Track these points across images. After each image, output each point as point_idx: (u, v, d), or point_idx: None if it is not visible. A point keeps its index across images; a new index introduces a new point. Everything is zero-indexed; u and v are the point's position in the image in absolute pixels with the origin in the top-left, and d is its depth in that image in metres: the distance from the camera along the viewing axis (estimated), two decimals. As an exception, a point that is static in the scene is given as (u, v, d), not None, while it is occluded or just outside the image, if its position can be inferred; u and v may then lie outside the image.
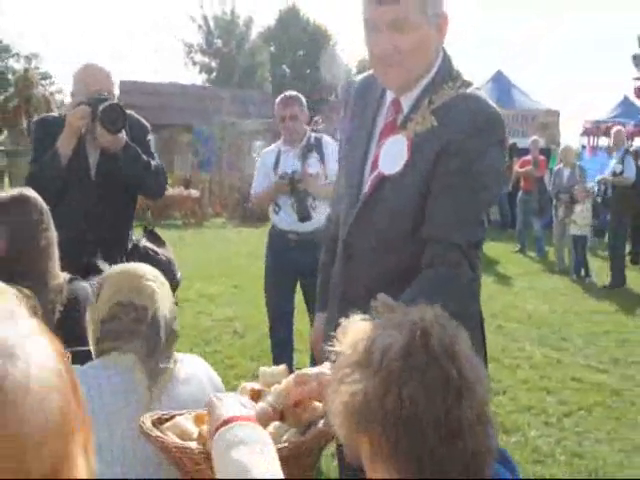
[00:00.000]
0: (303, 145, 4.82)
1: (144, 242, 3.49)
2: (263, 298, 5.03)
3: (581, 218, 10.34)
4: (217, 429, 1.36)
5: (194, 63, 42.48)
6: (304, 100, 4.88)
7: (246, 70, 40.04)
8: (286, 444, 1.48)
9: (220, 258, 11.58)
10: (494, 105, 2.13)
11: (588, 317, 8.07)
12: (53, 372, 0.58)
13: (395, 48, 2.05)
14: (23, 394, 0.54)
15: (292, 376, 1.65)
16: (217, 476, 1.32)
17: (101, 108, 3.27)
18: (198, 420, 1.62)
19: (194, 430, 1.59)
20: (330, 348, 1.30)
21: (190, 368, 2.06)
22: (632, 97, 18.96)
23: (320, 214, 4.67)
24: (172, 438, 1.55)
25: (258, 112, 20.46)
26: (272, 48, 45.79)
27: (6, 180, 20.42)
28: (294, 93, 4.93)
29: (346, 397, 1.17)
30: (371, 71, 2.31)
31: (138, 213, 3.88)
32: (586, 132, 19.47)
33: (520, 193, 12.98)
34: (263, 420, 1.51)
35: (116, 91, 3.59)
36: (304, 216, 4.66)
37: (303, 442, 1.52)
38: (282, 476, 1.28)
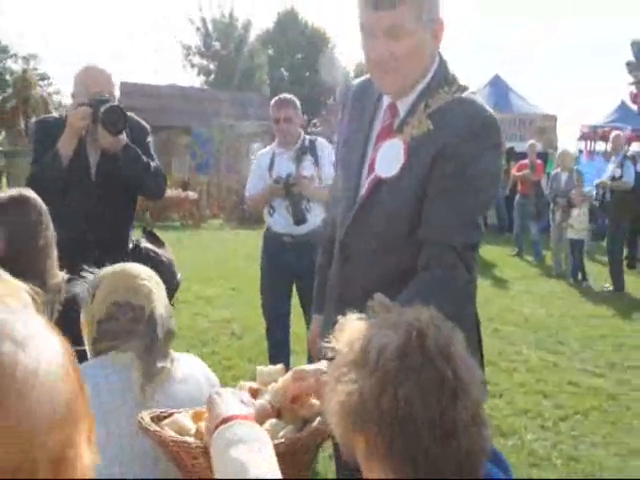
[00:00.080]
0: (297, 148, 4.83)
1: (144, 243, 3.50)
2: (260, 300, 5.05)
3: (578, 222, 10.37)
4: (216, 427, 1.38)
5: (192, 65, 42.51)
6: (298, 103, 4.89)
7: (244, 73, 40.05)
8: (282, 440, 1.49)
9: (218, 260, 11.59)
10: (490, 109, 2.14)
11: (585, 321, 8.09)
12: (61, 364, 0.61)
13: (391, 54, 2.06)
14: (33, 383, 0.56)
15: (289, 373, 1.66)
16: (216, 474, 1.33)
17: (102, 109, 3.28)
18: (196, 417, 1.63)
19: (192, 426, 1.60)
20: (327, 346, 1.31)
21: (187, 367, 2.06)
22: (629, 102, 19.00)
23: (315, 216, 4.69)
24: (170, 433, 1.56)
25: (256, 115, 20.46)
26: (270, 51, 45.83)
27: (4, 180, 20.42)
28: (289, 96, 4.95)
29: (342, 396, 1.18)
30: (368, 75, 2.32)
31: (137, 214, 3.89)
32: (583, 137, 19.51)
33: (517, 197, 13.02)
34: (261, 417, 1.52)
35: (117, 93, 3.60)
36: (299, 219, 4.68)
37: (299, 438, 1.53)
38: (280, 475, 1.29)
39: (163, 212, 16.77)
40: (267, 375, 1.74)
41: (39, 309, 0.67)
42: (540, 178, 12.97)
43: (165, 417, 1.67)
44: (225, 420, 1.38)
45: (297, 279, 4.82)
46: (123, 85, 20.60)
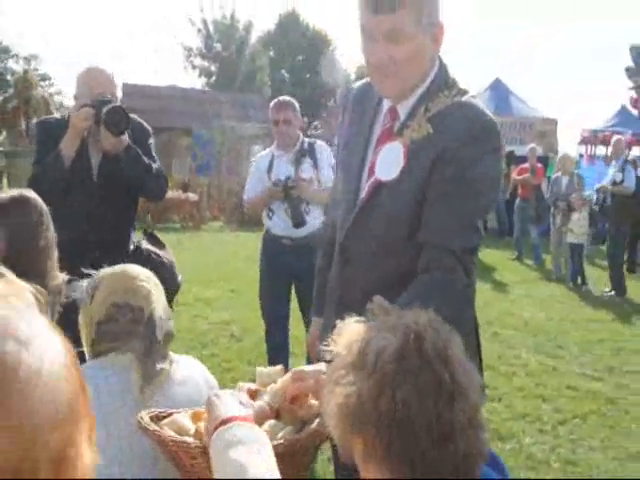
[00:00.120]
0: (296, 150, 4.84)
1: (145, 245, 3.50)
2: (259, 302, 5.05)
3: (578, 226, 10.38)
4: (215, 428, 1.38)
5: (193, 67, 42.51)
6: (298, 106, 4.90)
7: (245, 74, 40.06)
8: (281, 441, 1.49)
9: (217, 262, 11.59)
10: (489, 113, 2.15)
11: (584, 325, 8.10)
12: (63, 364, 0.62)
13: (391, 58, 2.06)
14: (36, 382, 0.57)
15: (289, 374, 1.67)
16: (215, 475, 1.34)
17: (105, 110, 3.29)
18: (195, 417, 1.64)
19: (191, 427, 1.60)
20: (326, 349, 1.32)
21: (186, 369, 2.06)
22: (629, 107, 19.01)
23: (314, 219, 4.70)
24: (169, 432, 1.56)
25: (257, 116, 20.48)
26: (271, 53, 45.84)
27: (5, 181, 20.43)
28: (288, 98, 4.96)
29: (340, 399, 1.19)
30: (369, 78, 2.33)
31: (138, 216, 3.90)
32: (583, 141, 19.52)
33: (517, 201, 13.02)
34: (260, 418, 1.53)
35: (119, 94, 3.61)
36: (298, 222, 4.68)
37: (298, 440, 1.53)
38: (279, 476, 1.29)
39: (163, 214, 16.76)
40: (266, 376, 1.75)
41: (42, 309, 0.67)
42: (540, 182, 12.98)
43: (164, 417, 1.67)
44: (224, 421, 1.38)
45: (296, 281, 4.83)
46: (124, 86, 20.60)
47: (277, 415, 1.64)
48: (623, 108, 19.35)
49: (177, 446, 1.51)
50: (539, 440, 4.70)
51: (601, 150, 19.34)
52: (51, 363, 0.60)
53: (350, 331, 1.29)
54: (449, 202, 2.03)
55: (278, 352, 4.83)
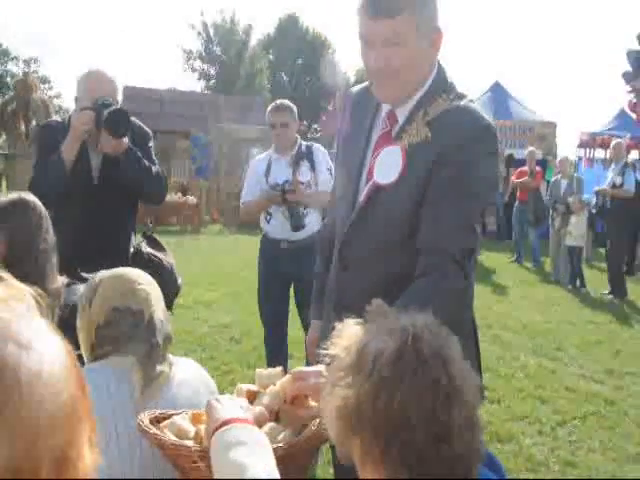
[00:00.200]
0: (294, 153, 4.84)
1: (146, 248, 3.51)
2: (258, 305, 5.06)
3: (576, 229, 10.39)
4: (215, 430, 1.39)
5: (193, 70, 42.55)
6: (295, 109, 4.90)
7: (245, 78, 40.10)
8: (281, 444, 1.50)
9: (217, 265, 11.59)
10: (487, 117, 2.16)
11: (583, 327, 8.11)
12: (64, 366, 0.62)
13: (389, 64, 2.07)
14: (37, 385, 0.58)
15: (288, 376, 1.68)
16: (215, 476, 1.34)
17: (106, 112, 3.30)
18: (195, 419, 1.64)
19: (191, 429, 1.61)
20: (324, 351, 1.32)
21: (185, 371, 2.06)
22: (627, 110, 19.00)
23: (312, 221, 4.71)
24: (169, 436, 1.57)
25: (257, 119, 20.48)
26: (271, 56, 45.88)
27: (4, 184, 20.44)
28: (285, 101, 4.96)
29: (339, 401, 1.20)
30: (368, 82, 2.34)
31: (138, 219, 3.90)
32: (582, 144, 19.50)
33: (516, 203, 13.04)
34: (259, 423, 1.54)
35: (119, 97, 3.61)
36: (297, 226, 4.69)
37: (297, 442, 1.54)
38: (279, 477, 1.30)
39: (162, 217, 16.76)
40: (266, 378, 1.75)
41: (43, 312, 0.68)
42: (539, 185, 12.99)
43: (164, 418, 1.68)
44: (224, 423, 1.39)
45: (295, 283, 4.84)
46: (123, 89, 20.62)
47: (276, 418, 1.65)
48: (622, 111, 19.32)
49: (177, 450, 1.51)
50: (538, 442, 4.71)
51: (600, 153, 19.31)
52: (51, 365, 0.60)
53: (348, 333, 1.29)
54: (447, 205, 2.04)
55: (277, 355, 4.83)
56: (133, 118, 3.52)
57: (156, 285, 2.10)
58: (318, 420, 1.53)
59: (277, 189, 4.73)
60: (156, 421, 1.65)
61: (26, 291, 0.68)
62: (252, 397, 1.69)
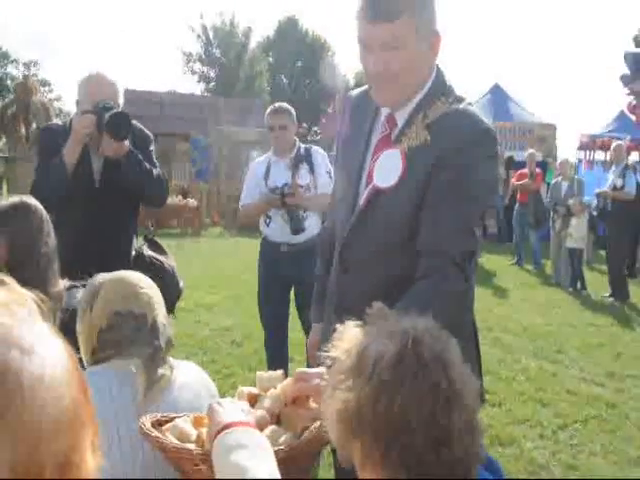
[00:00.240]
0: (293, 156, 4.85)
1: (147, 251, 3.51)
2: (259, 308, 5.06)
3: (577, 231, 10.39)
4: (217, 434, 1.39)
5: (193, 72, 42.61)
6: (294, 111, 4.91)
7: (245, 80, 40.15)
8: (282, 447, 1.50)
9: (218, 268, 11.60)
10: (486, 120, 2.16)
11: (584, 330, 8.10)
12: (65, 370, 0.62)
13: (388, 68, 2.08)
14: (39, 389, 0.58)
15: (289, 379, 1.68)
16: (217, 477, 1.34)
17: (107, 115, 3.30)
18: (197, 422, 1.64)
19: (193, 432, 1.61)
20: (325, 354, 1.33)
21: (186, 375, 2.06)
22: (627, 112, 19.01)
23: (312, 223, 4.71)
24: (171, 439, 1.56)
25: (256, 122, 20.51)
26: (270, 58, 45.95)
27: (4, 186, 20.46)
28: (284, 104, 4.97)
29: (339, 403, 1.20)
30: (367, 86, 2.34)
31: (139, 222, 3.91)
32: (582, 146, 19.51)
33: (516, 206, 13.03)
34: (261, 426, 1.54)
35: (120, 100, 3.62)
36: (297, 229, 4.69)
37: (298, 445, 1.54)
38: (280, 479, 1.30)
39: (163, 219, 16.78)
40: (267, 381, 1.75)
41: (44, 316, 0.68)
42: (539, 187, 12.99)
43: (166, 422, 1.68)
44: (226, 427, 1.39)
45: (295, 286, 4.84)
46: (124, 92, 20.64)
47: (278, 421, 1.65)
48: (621, 113, 19.33)
49: (179, 453, 1.51)
50: (540, 445, 4.70)
51: (600, 155, 19.33)
52: (53, 369, 0.60)
53: (349, 336, 1.30)
54: (446, 208, 2.04)
55: (278, 357, 4.83)
56: (134, 121, 3.52)
57: (157, 288, 2.10)
58: (319, 423, 1.53)
59: (276, 192, 4.73)
60: (158, 424, 1.65)
61: (27, 295, 0.68)
62: (253, 400, 1.69)
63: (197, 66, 42.53)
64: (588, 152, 19.45)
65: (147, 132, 3.75)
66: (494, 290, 10.35)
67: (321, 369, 1.59)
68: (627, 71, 14.48)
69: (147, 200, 3.76)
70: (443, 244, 2.03)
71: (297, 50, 46.16)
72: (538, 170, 13.14)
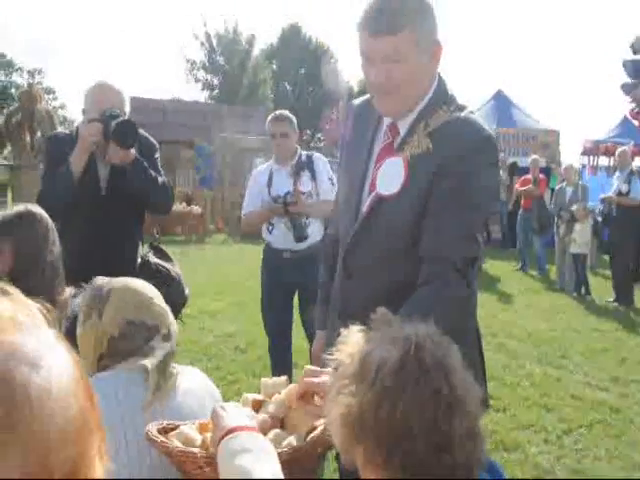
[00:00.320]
0: (294, 164, 4.86)
1: (153, 258, 3.52)
2: (263, 315, 5.06)
3: (580, 237, 10.37)
4: (222, 438, 1.40)
5: (196, 80, 42.64)
6: (295, 119, 4.93)
7: (248, 87, 40.17)
8: (285, 449, 1.51)
9: (222, 274, 11.61)
10: (487, 128, 2.18)
11: (588, 335, 8.08)
12: (72, 379, 0.63)
13: (389, 80, 2.10)
14: (46, 401, 0.58)
15: (293, 385, 1.70)
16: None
17: (114, 124, 3.33)
18: (202, 428, 1.65)
19: (197, 437, 1.62)
20: (330, 357, 1.34)
21: (190, 381, 2.07)
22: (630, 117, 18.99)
23: (314, 230, 4.72)
24: (176, 444, 1.58)
25: (260, 129, 20.52)
26: (274, 66, 45.99)
27: (9, 194, 20.48)
28: (285, 112, 5.00)
29: (343, 408, 1.22)
30: (369, 95, 2.35)
31: (144, 229, 3.92)
32: (586, 152, 19.49)
33: (520, 211, 13.01)
34: (263, 429, 1.55)
35: (127, 108, 3.64)
36: (300, 236, 4.70)
37: (302, 447, 1.55)
38: None
39: (167, 226, 16.79)
40: (271, 387, 1.77)
41: (50, 325, 0.68)
42: (543, 193, 12.97)
43: (172, 429, 1.69)
44: (230, 431, 1.40)
45: (299, 292, 4.85)
46: (131, 100, 20.65)
47: (282, 426, 1.66)
48: (625, 119, 19.32)
49: (184, 456, 1.52)
50: (544, 450, 4.70)
51: (603, 161, 19.33)
52: (60, 379, 0.61)
53: (353, 341, 1.31)
54: (448, 215, 2.06)
55: (281, 364, 4.84)
56: (140, 130, 3.54)
57: (161, 296, 2.10)
58: (323, 426, 1.54)
59: (279, 201, 4.75)
60: (164, 432, 1.66)
61: (33, 306, 0.69)
62: (258, 406, 1.71)
63: (201, 74, 42.56)
64: (592, 158, 19.44)
65: (152, 140, 3.77)
66: (498, 296, 10.34)
67: (329, 369, 1.61)
68: (627, 79, 14.45)
69: (152, 207, 3.78)
70: (444, 250, 2.05)
71: (300, 57, 46.20)
72: (542, 176, 13.11)
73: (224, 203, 19.93)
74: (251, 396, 1.74)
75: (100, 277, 2.12)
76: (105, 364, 1.97)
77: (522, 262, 13.01)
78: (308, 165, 4.86)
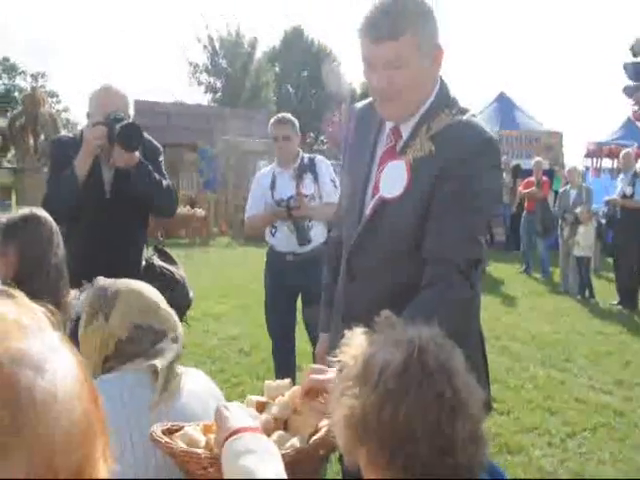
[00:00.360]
0: (296, 166, 4.87)
1: (158, 261, 3.53)
2: (267, 317, 5.07)
3: (584, 239, 10.36)
4: (226, 439, 1.40)
5: (199, 83, 42.69)
6: (297, 122, 4.93)
7: (251, 90, 40.21)
8: (288, 450, 1.52)
9: (226, 277, 11.61)
10: (489, 131, 2.19)
11: (592, 338, 8.07)
12: (76, 382, 0.63)
13: (391, 85, 2.11)
14: (51, 404, 0.59)
15: (295, 388, 1.70)
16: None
17: (118, 127, 3.34)
18: (206, 430, 1.66)
19: (201, 439, 1.63)
20: (334, 359, 1.34)
21: (194, 383, 2.08)
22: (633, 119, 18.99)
23: (317, 233, 4.72)
24: (180, 445, 1.58)
25: (263, 132, 20.52)
26: (277, 68, 46.03)
27: (13, 198, 20.53)
28: (287, 115, 5.00)
29: (346, 410, 1.22)
30: (372, 98, 2.36)
31: (148, 232, 3.93)
32: (589, 154, 19.47)
33: (524, 214, 12.99)
34: (266, 430, 1.55)
35: (131, 112, 3.65)
36: (304, 240, 4.70)
37: (305, 449, 1.55)
38: None
39: (171, 229, 16.80)
40: (274, 390, 1.77)
41: (55, 327, 0.69)
42: (547, 195, 12.95)
43: (176, 430, 1.69)
44: (234, 432, 1.41)
45: (302, 295, 4.85)
46: (134, 103, 20.69)
47: (285, 427, 1.67)
48: (628, 120, 19.33)
49: (188, 457, 1.53)
50: (548, 453, 4.69)
51: (607, 163, 19.31)
52: (64, 382, 0.61)
53: (356, 344, 1.31)
54: (451, 217, 2.06)
55: (285, 366, 4.84)
56: (144, 133, 3.55)
57: (164, 300, 2.11)
58: (326, 428, 1.54)
59: (282, 205, 4.75)
60: (168, 433, 1.67)
61: (37, 309, 0.69)
62: (261, 408, 1.71)
63: (204, 77, 42.63)
64: (595, 160, 19.43)
65: (156, 144, 3.78)
66: (502, 298, 10.32)
67: (334, 369, 1.61)
68: (629, 82, 14.44)
69: (157, 210, 3.79)
70: (447, 252, 2.05)
71: (303, 60, 46.25)
72: (545, 178, 13.10)
73: (228, 206, 19.95)
74: (255, 398, 1.75)
75: (101, 277, 2.12)
76: (110, 366, 1.97)
77: (526, 265, 13.00)
78: (310, 168, 4.87)
